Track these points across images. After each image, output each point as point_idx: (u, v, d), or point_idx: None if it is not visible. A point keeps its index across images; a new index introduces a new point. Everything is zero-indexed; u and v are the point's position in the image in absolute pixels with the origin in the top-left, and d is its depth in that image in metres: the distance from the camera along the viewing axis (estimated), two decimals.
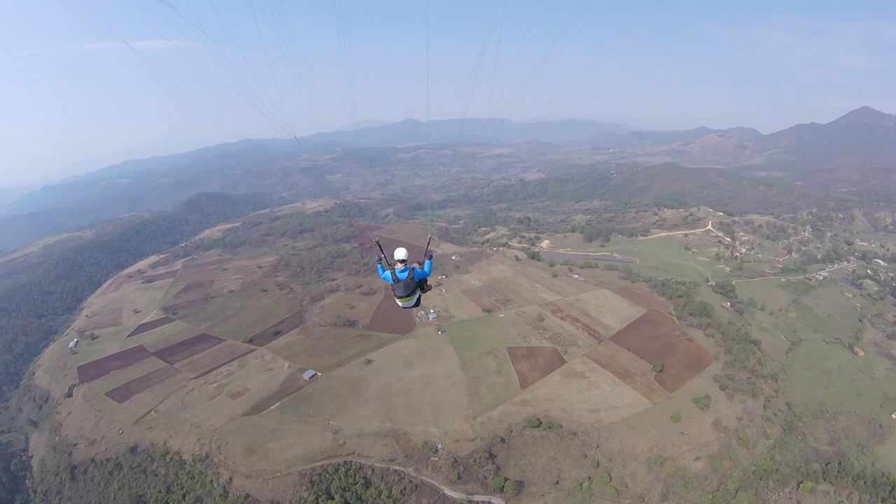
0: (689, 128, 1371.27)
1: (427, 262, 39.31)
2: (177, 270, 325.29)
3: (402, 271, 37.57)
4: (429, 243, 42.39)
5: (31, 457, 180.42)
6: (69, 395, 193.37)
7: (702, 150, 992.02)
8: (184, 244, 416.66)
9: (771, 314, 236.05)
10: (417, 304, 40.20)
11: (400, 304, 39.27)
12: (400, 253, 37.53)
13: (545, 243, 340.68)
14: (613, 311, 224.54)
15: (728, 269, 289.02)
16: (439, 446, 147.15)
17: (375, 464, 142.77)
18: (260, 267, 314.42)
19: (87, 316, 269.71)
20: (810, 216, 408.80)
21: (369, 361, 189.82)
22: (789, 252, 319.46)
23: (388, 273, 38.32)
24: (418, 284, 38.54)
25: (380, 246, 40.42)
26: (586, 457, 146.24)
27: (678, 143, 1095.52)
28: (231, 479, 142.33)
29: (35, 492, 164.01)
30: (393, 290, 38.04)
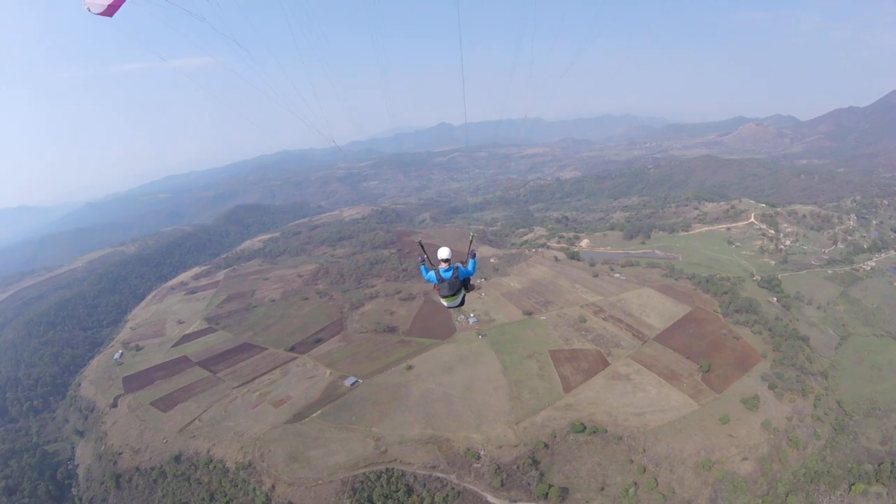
0: (725, 118, 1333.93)
1: (471, 261, 39.47)
2: (219, 281, 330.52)
3: (447, 270, 37.56)
4: (471, 242, 41.38)
5: (77, 465, 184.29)
6: (114, 405, 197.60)
7: (740, 141, 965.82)
8: (225, 255, 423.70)
9: (819, 308, 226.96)
10: (462, 303, 40.10)
11: (445, 303, 39.28)
12: (444, 252, 37.40)
13: (584, 242, 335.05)
14: (657, 310, 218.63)
15: (773, 262, 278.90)
16: (482, 453, 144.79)
17: (417, 471, 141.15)
18: (300, 276, 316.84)
19: (131, 328, 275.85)
20: (854, 204, 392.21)
21: (410, 367, 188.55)
22: (835, 242, 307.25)
23: (432, 273, 38.22)
24: (463, 283, 38.52)
25: (422, 247, 40.94)
26: (632, 462, 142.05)
27: (715, 134, 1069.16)
28: (274, 486, 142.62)
29: (81, 499, 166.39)
30: (438, 289, 38.00)
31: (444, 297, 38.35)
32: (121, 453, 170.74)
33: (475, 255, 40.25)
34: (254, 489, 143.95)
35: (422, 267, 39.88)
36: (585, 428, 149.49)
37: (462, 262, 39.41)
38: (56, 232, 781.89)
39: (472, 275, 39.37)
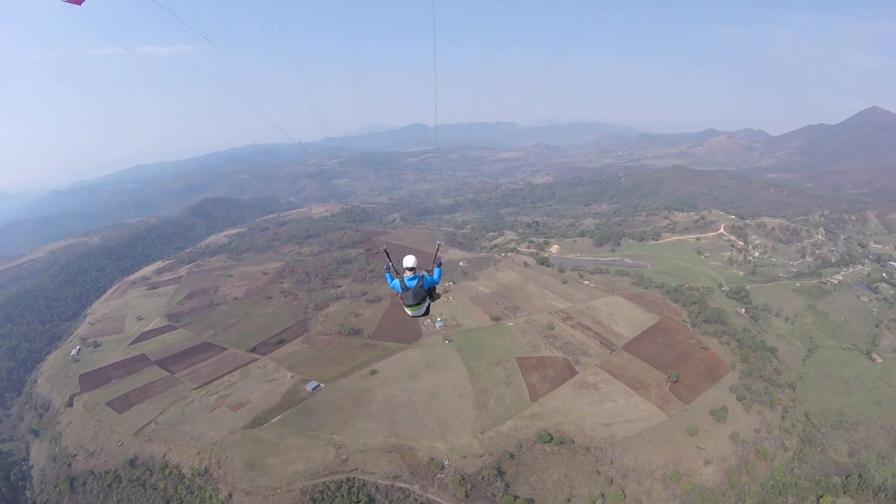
0: (696, 130, 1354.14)
1: (436, 270, 38.65)
2: (181, 277, 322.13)
3: (412, 279, 36.91)
4: (437, 250, 41.12)
5: (32, 466, 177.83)
6: (70, 404, 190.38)
7: (710, 153, 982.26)
8: (189, 250, 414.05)
9: (787, 320, 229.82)
10: (427, 312, 39.48)
11: (409, 312, 38.50)
12: (409, 261, 36.51)
13: (554, 248, 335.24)
14: (626, 318, 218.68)
15: (742, 273, 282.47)
16: (446, 462, 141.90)
17: (379, 481, 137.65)
18: (265, 273, 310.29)
19: (90, 323, 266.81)
20: (823, 218, 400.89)
21: (374, 372, 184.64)
22: (803, 255, 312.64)
23: (396, 282, 37.77)
24: (427, 292, 37.83)
25: (388, 254, 40.33)
26: (599, 473, 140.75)
27: (686, 146, 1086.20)
28: (230, 495, 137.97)
29: (34, 503, 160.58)
30: (402, 298, 37.32)
31: (408, 306, 37.55)
32: (75, 455, 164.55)
33: (441, 263, 39.33)
34: (210, 497, 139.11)
35: (387, 275, 38.94)
36: (552, 438, 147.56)
37: (427, 271, 38.53)
38: (19, 219, 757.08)
39: (437, 284, 38.60)
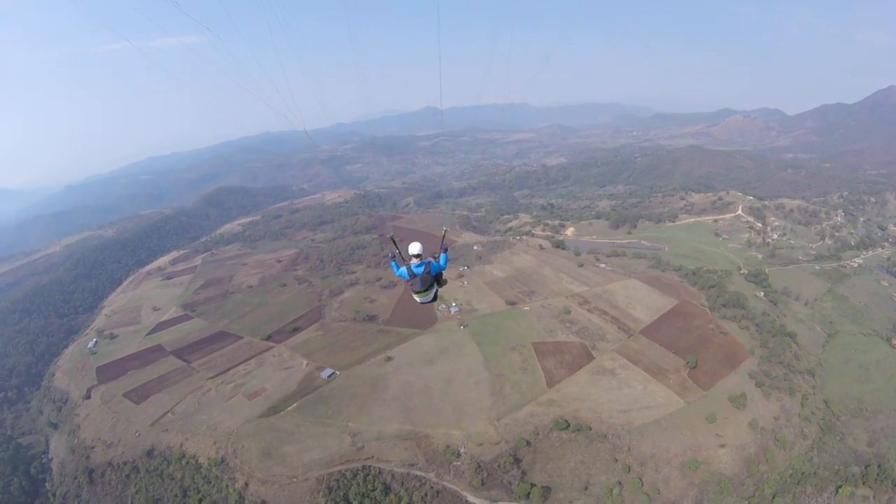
0: (712, 109, 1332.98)
1: (442, 256, 38.40)
2: (196, 266, 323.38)
3: (418, 266, 36.74)
4: (444, 237, 41.48)
5: (51, 459, 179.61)
6: (87, 396, 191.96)
7: (726, 132, 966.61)
8: (204, 239, 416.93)
9: (806, 304, 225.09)
10: (435, 298, 39.37)
11: (418, 299, 38.58)
12: (415, 247, 36.52)
13: (570, 231, 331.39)
14: (643, 302, 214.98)
15: (760, 256, 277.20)
16: (462, 450, 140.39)
17: (395, 469, 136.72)
18: (279, 261, 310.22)
19: (106, 315, 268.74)
20: (841, 200, 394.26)
21: (389, 359, 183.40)
22: (822, 238, 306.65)
23: (403, 269, 37.41)
24: (435, 278, 37.76)
25: (394, 242, 39.64)
26: (617, 461, 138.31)
27: (702, 125, 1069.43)
28: (247, 484, 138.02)
29: (54, 495, 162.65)
30: (411, 285, 37.28)
31: (416, 292, 37.55)
32: (93, 447, 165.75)
33: (447, 249, 39.41)
34: (227, 486, 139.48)
35: (393, 263, 38.54)
36: (569, 425, 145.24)
37: (434, 257, 38.21)
38: (35, 216, 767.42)
39: (443, 269, 38.35)
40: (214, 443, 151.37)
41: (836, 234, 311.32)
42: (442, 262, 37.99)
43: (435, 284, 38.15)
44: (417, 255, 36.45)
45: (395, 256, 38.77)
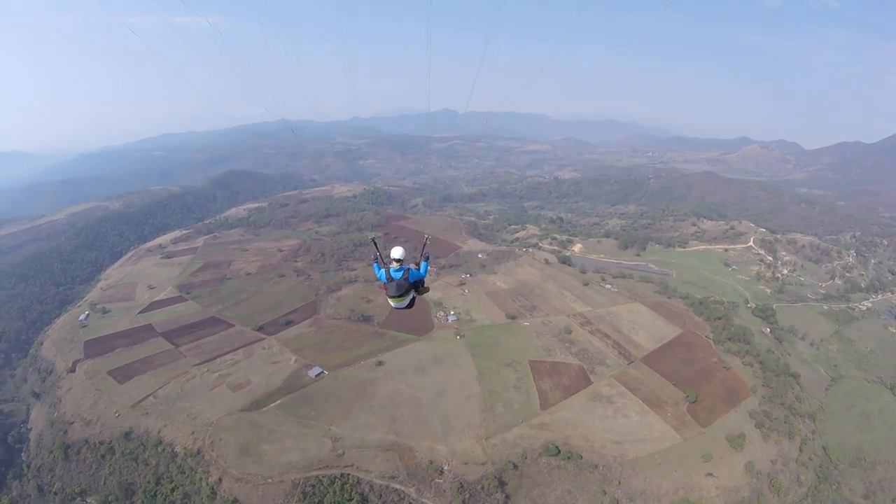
0: (729, 136, 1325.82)
1: (423, 264, 38.44)
2: (197, 248, 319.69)
3: (397, 270, 36.79)
4: (425, 245, 39.61)
5: (30, 430, 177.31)
6: (72, 370, 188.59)
7: (742, 161, 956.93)
8: (208, 221, 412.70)
9: (812, 345, 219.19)
10: (411, 305, 39.53)
11: (392, 304, 38.41)
12: (396, 252, 36.53)
13: (577, 247, 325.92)
14: (647, 328, 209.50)
15: (769, 290, 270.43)
16: (445, 467, 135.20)
17: (374, 480, 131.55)
18: (280, 250, 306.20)
19: (101, 288, 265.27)
20: (854, 240, 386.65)
21: (380, 363, 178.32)
22: (832, 277, 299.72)
23: (383, 272, 37.60)
24: (413, 285, 37.73)
25: (376, 244, 40.29)
26: (605, 493, 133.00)
27: (719, 152, 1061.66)
28: (220, 479, 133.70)
29: (28, 466, 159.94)
30: (385, 289, 37.27)
31: (391, 296, 37.37)
32: (72, 423, 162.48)
33: (428, 257, 38.96)
34: (200, 479, 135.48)
35: (374, 265, 38.49)
36: (560, 451, 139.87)
37: (416, 264, 38.23)
38: (44, 181, 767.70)
39: (423, 278, 38.34)
40: (192, 433, 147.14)
41: (847, 274, 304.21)
42: (422, 270, 38.02)
43: (412, 291, 38.01)
44: (398, 260, 36.50)
45: (376, 258, 38.50)
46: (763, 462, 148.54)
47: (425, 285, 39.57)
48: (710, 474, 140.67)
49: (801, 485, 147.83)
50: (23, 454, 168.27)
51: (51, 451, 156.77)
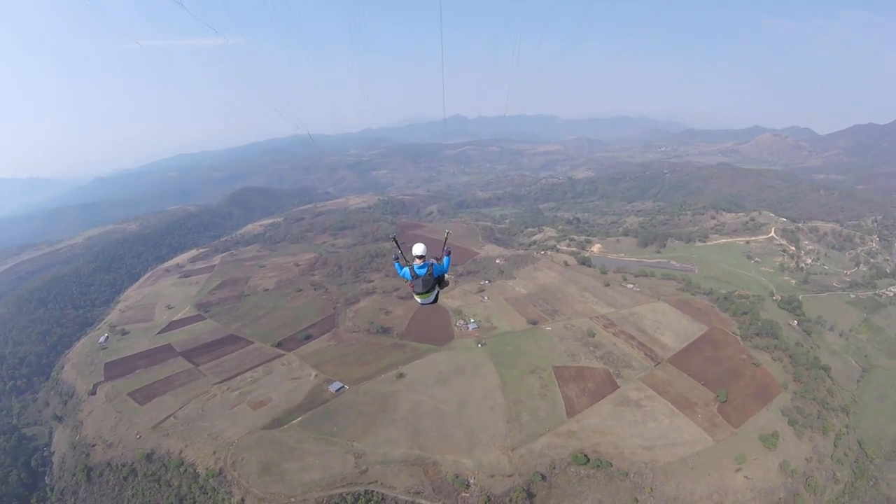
0: (742, 126, 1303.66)
1: (445, 259, 39.27)
2: (215, 266, 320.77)
3: (421, 267, 37.32)
4: (446, 240, 39.70)
5: (53, 453, 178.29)
6: (93, 392, 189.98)
7: (757, 150, 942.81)
8: (225, 238, 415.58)
9: (840, 335, 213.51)
10: (436, 300, 40.00)
11: (419, 300, 39.27)
12: (418, 249, 37.03)
13: (596, 247, 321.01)
14: (672, 327, 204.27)
15: (794, 281, 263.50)
16: (471, 481, 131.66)
17: (399, 496, 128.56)
18: (297, 265, 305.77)
19: (120, 310, 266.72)
20: (876, 224, 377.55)
21: (401, 375, 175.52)
22: (857, 264, 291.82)
23: (406, 270, 38.16)
24: (437, 280, 38.27)
25: (397, 243, 40.60)
26: (637, 501, 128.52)
27: (732, 143, 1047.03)
28: (243, 500, 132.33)
29: (52, 490, 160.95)
30: (412, 286, 37.82)
31: (417, 293, 38.16)
32: (94, 445, 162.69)
33: (450, 252, 39.87)
34: (223, 500, 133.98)
35: (396, 264, 39.32)
36: (589, 460, 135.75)
37: (437, 259, 38.96)
38: (62, 206, 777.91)
39: (446, 272, 39.17)
40: (214, 452, 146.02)
41: (871, 260, 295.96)
42: (444, 264, 38.80)
43: (436, 286, 38.65)
44: (421, 257, 36.99)
45: (398, 257, 39.17)
46: (798, 460, 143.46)
47: (446, 279, 39.79)
48: (746, 476, 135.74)
49: (838, 482, 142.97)
50: (46, 478, 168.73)
51: (73, 474, 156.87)
